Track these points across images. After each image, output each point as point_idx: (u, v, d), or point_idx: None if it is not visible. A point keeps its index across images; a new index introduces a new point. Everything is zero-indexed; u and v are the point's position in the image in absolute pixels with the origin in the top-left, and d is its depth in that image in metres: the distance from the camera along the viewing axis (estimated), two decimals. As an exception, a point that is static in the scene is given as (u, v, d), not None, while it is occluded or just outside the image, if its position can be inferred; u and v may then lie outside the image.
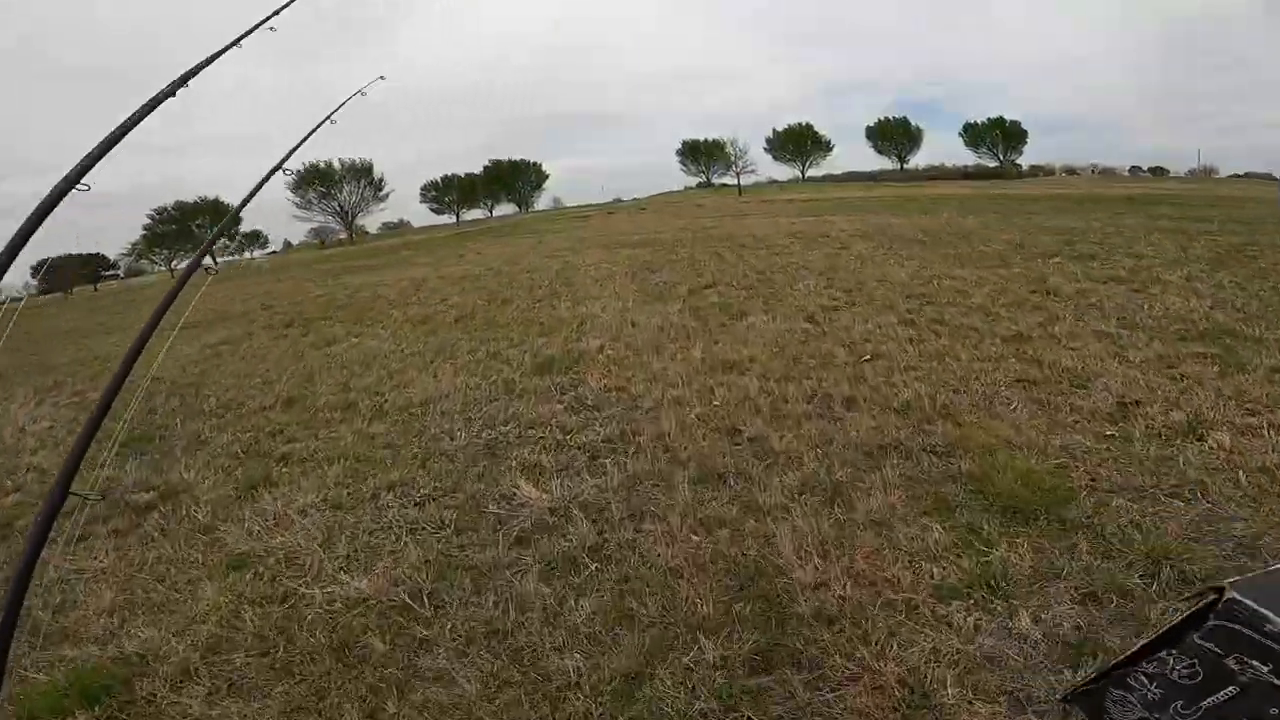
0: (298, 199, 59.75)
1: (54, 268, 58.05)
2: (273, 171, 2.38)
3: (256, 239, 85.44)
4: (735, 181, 58.66)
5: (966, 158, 72.25)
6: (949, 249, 9.85)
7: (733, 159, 55.92)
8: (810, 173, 73.86)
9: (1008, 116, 70.61)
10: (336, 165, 61.41)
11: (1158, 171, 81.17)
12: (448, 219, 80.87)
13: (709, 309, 6.69)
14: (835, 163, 74.43)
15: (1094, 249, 9.06)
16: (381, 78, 3.04)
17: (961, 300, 6.41)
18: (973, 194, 28.89)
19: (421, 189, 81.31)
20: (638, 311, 6.90)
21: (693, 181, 77.06)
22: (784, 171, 73.92)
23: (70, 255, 61.29)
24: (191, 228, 62.67)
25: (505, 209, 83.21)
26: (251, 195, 2.36)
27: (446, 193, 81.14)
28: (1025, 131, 69.96)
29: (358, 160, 62.08)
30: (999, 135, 70.16)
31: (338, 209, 61.57)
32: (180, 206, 63.89)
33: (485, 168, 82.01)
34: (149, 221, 64.19)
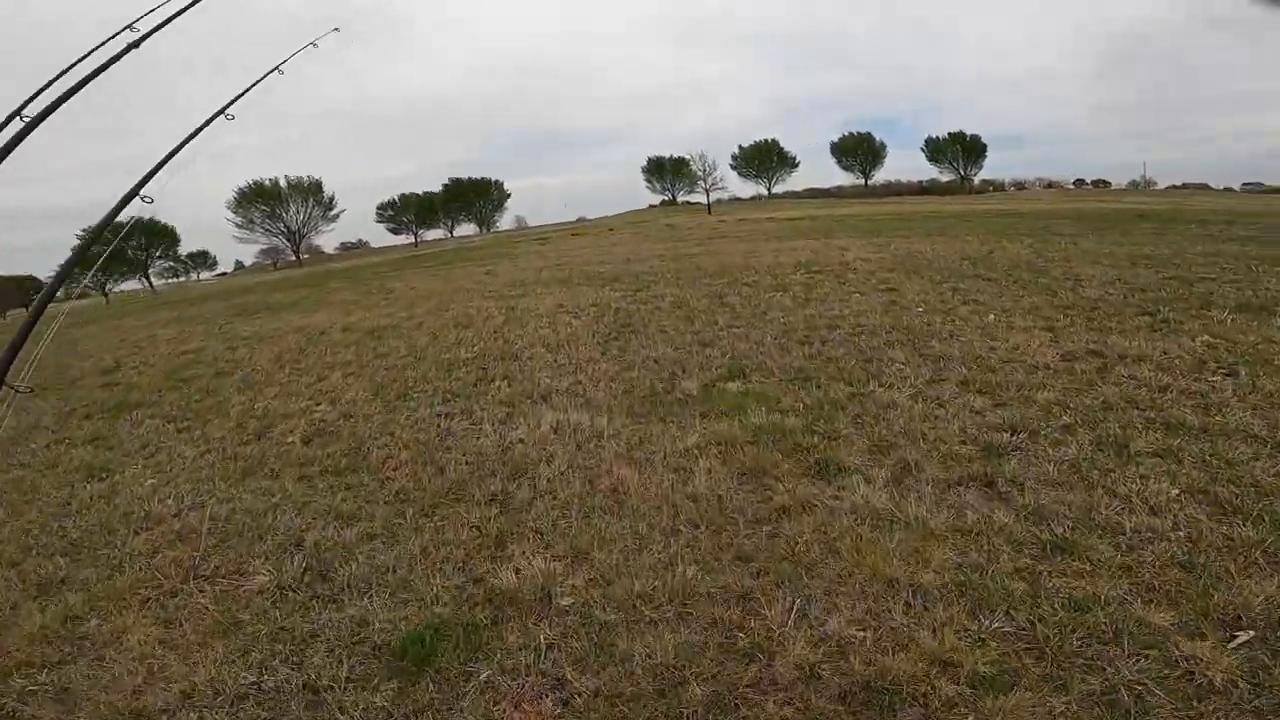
0: (238, 218, 55.28)
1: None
2: (209, 120, 2.40)
3: (204, 259, 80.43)
4: (704, 199, 56.23)
5: (924, 173, 71.53)
6: (1038, 293, 6.98)
7: (702, 175, 53.46)
8: (774, 189, 72.20)
9: (967, 132, 70.11)
10: (283, 183, 57.20)
11: (1100, 184, 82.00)
12: (407, 239, 76.98)
13: (764, 448, 3.52)
14: (795, 179, 73.02)
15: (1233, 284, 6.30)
16: (335, 29, 2.92)
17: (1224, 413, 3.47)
18: (964, 210, 26.66)
19: (378, 208, 77.44)
20: (629, 452, 3.74)
21: (657, 199, 74.75)
22: (749, 188, 72.16)
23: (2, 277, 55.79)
24: (126, 249, 57.63)
25: (468, 228, 79.78)
26: (158, 167, 2.24)
27: (404, 212, 77.23)
28: (985, 145, 69.51)
29: (306, 178, 57.93)
30: (959, 150, 69.53)
31: (284, 229, 57.20)
32: (115, 227, 58.68)
33: (445, 186, 78.45)
34: (78, 242, 58.76)
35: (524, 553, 2.92)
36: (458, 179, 77.60)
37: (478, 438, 4.14)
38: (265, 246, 61.95)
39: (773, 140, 71.96)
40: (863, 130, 72.07)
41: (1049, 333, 5.24)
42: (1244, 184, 72.20)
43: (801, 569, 2.62)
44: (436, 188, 78.10)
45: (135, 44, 2.27)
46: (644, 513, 3.06)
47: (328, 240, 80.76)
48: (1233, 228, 14.52)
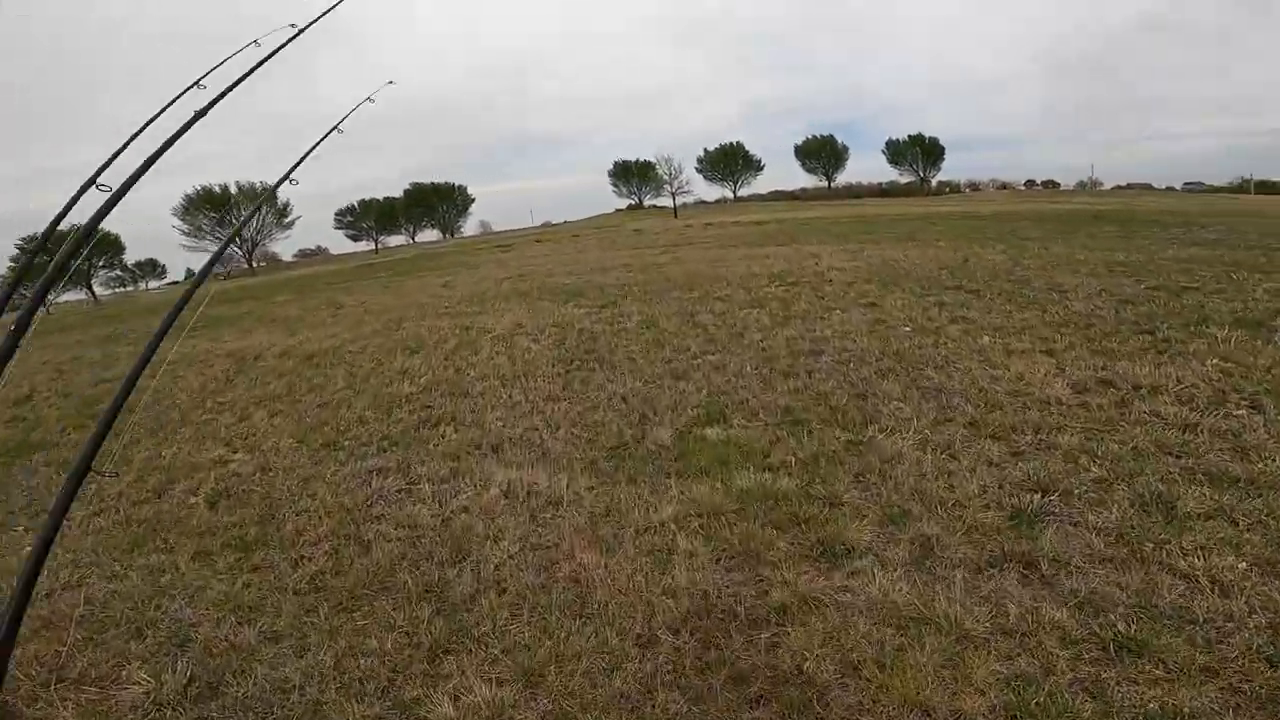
0: (186, 226, 52.85)
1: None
2: (278, 183, 2.56)
3: (153, 268, 77.02)
4: (670, 203, 55.87)
5: (882, 175, 72.55)
6: (1027, 308, 6.61)
7: (668, 179, 53.08)
8: (739, 192, 72.34)
9: (925, 135, 71.23)
10: (233, 189, 54.92)
11: (1049, 185, 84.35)
12: (367, 245, 74.89)
13: (755, 521, 2.93)
14: (760, 182, 73.28)
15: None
16: (391, 82, 3.01)
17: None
18: (926, 212, 26.73)
19: (336, 214, 75.14)
20: (592, 527, 3.14)
21: (623, 204, 74.25)
22: (714, 191, 72.17)
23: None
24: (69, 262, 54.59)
25: (433, 234, 78.01)
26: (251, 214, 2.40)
27: (363, 218, 75.10)
28: (943, 148, 70.75)
29: (258, 184, 55.68)
30: (919, 152, 70.62)
31: (236, 237, 54.74)
32: (57, 237, 55.61)
33: (406, 191, 76.55)
34: (16, 252, 55.51)
35: (464, 671, 2.31)
36: (419, 184, 75.88)
37: (414, 503, 3.48)
38: (238, 253, 59.45)
39: (738, 143, 72.12)
40: (824, 133, 72.72)
41: (1050, 357, 4.80)
42: (1185, 184, 74.94)
43: (813, 694, 2.06)
44: (398, 193, 76.26)
45: (203, 112, 2.25)
46: (612, 614, 2.46)
47: (286, 247, 78.18)
48: (1192, 230, 14.59)
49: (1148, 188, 72.31)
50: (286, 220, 57.62)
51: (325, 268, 36.81)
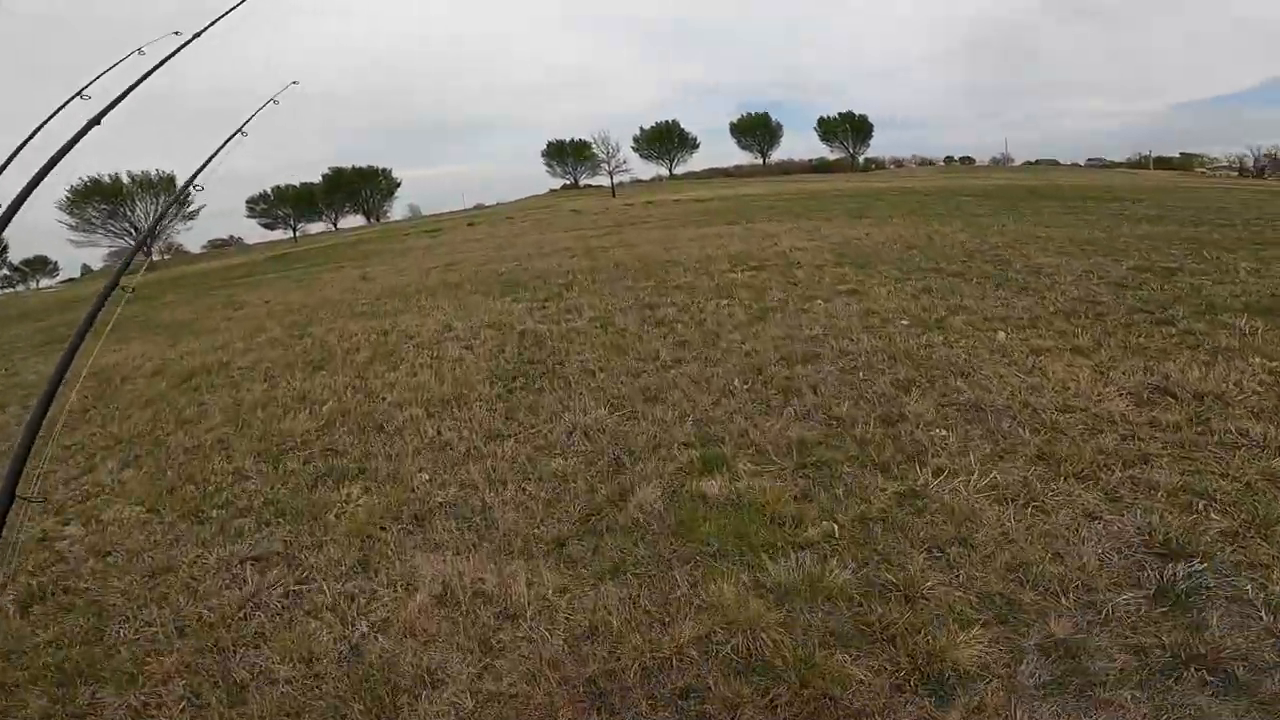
0: (73, 219, 47.65)
1: None
2: (183, 189, 1.55)
3: (44, 265, 69.73)
4: (607, 182, 54.38)
5: (811, 152, 73.25)
6: (1019, 293, 5.98)
7: (605, 158, 51.44)
8: (675, 170, 71.46)
9: (855, 113, 72.05)
10: (126, 179, 49.80)
11: (966, 161, 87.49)
12: (286, 234, 70.07)
13: (810, 645, 1.99)
14: (694, 160, 72.56)
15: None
16: (295, 83, 2.85)
17: None
18: (865, 188, 26.58)
19: (247, 202, 69.81)
20: (579, 672, 2.15)
21: (558, 184, 72.14)
22: (650, 170, 71.00)
23: None
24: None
25: (358, 220, 73.65)
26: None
27: (278, 205, 70.10)
28: (872, 126, 71.79)
29: (155, 172, 50.79)
30: (849, 129, 71.46)
31: (131, 229, 49.84)
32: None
33: (325, 176, 71.78)
34: None
35: None
36: (339, 169, 71.32)
37: (308, 617, 2.41)
38: (113, 249, 54.03)
39: (673, 122, 70.92)
40: (759, 111, 72.47)
41: (1084, 358, 4.10)
42: (1088, 159, 78.93)
43: None
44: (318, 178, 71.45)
45: (96, 120, 2.09)
46: None
47: (193, 238, 72.17)
48: (1128, 205, 14.67)
49: (1054, 163, 75.68)
50: (189, 210, 52.84)
51: (233, 260, 33.80)
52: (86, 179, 49.32)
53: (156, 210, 50.52)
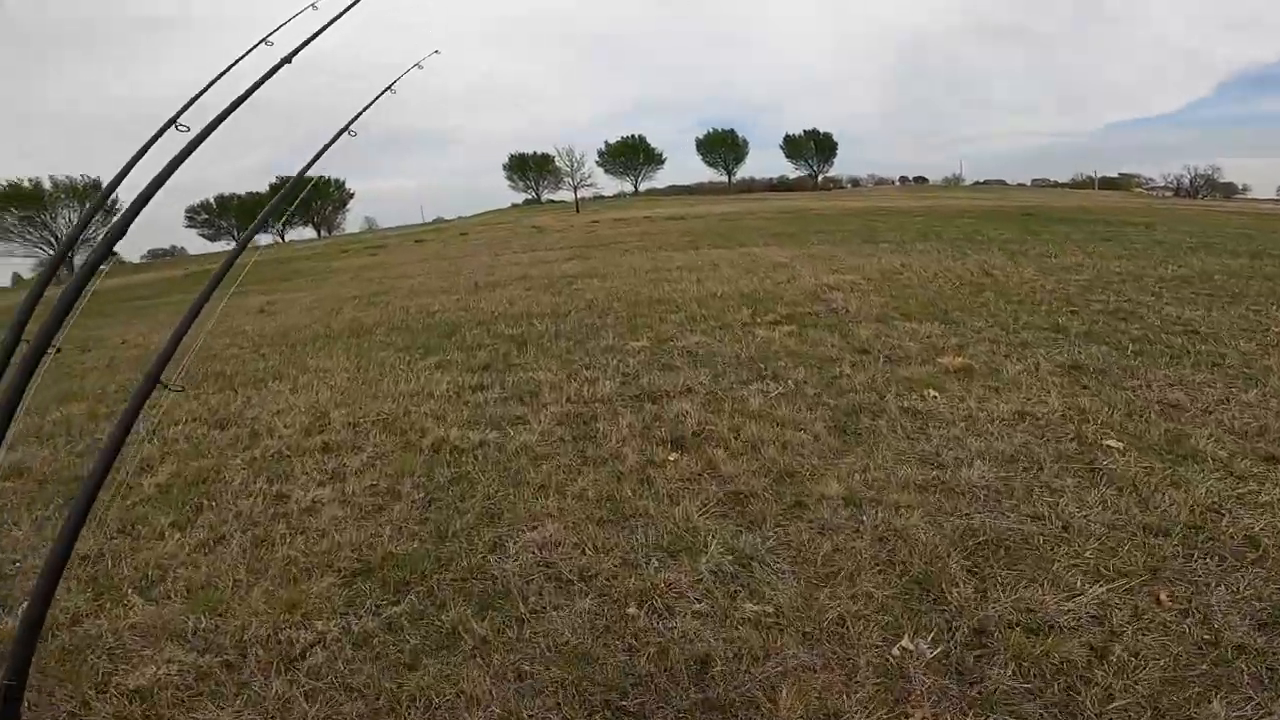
0: (-17, 228, 42.72)
1: None
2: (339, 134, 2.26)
3: (-39, 276, 63.26)
4: (569, 197, 51.92)
5: (769, 170, 72.28)
6: (1201, 365, 3.71)
7: (569, 171, 48.89)
8: (639, 186, 69.42)
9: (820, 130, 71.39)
10: (46, 184, 45.05)
11: (920, 180, 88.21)
12: (227, 246, 65.33)
13: None
14: (656, 177, 70.66)
15: None
16: (437, 52, 2.84)
17: None
18: (853, 208, 24.71)
19: (187, 212, 65.16)
20: None
21: (520, 199, 69.37)
22: (614, 186, 68.85)
23: None
24: None
25: (304, 232, 69.22)
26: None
27: (221, 215, 65.47)
28: (836, 144, 71.30)
29: (80, 178, 46.12)
30: (813, 147, 70.82)
31: (52, 239, 44.98)
32: None
33: (272, 185, 67.21)
34: None
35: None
36: (287, 178, 66.92)
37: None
38: (31, 259, 48.92)
39: (640, 137, 69.02)
40: (724, 128, 71.16)
41: None
42: (1034, 180, 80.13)
43: None
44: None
45: (288, 58, 2.01)
46: None
47: (132, 248, 66.71)
48: (1139, 230, 12.95)
49: (1002, 183, 76.45)
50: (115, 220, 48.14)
51: (145, 276, 30.00)
52: (3, 183, 44.52)
53: (81, 217, 45.86)
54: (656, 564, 2.45)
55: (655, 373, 4.32)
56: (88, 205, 46.29)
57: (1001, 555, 2.36)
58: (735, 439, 3.27)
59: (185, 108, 1.76)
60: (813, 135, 69.43)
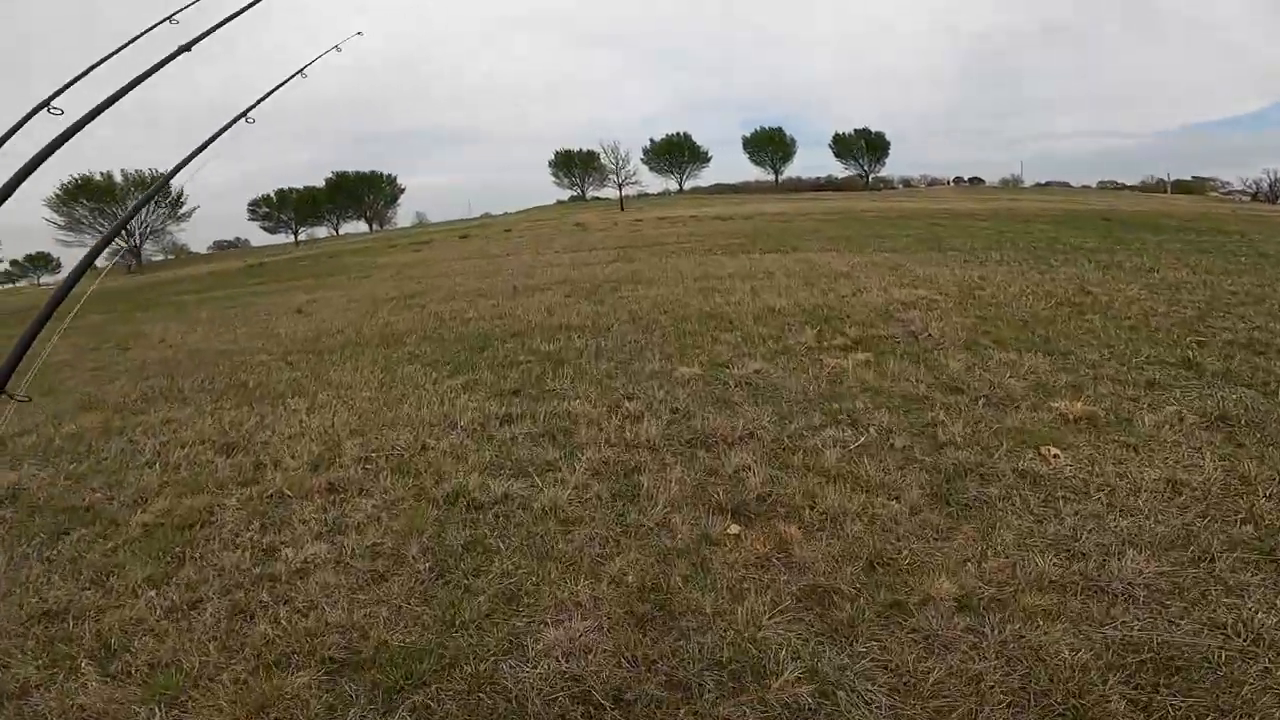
0: (61, 218, 44.86)
1: None
2: (234, 119, 1.95)
3: (46, 263, 66.96)
4: (614, 194, 51.51)
5: (815, 169, 70.40)
6: None
7: (615, 168, 48.39)
8: (683, 184, 68.49)
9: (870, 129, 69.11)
10: (118, 177, 47.08)
11: (975, 181, 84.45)
12: (288, 238, 67.44)
13: None
14: (700, 175, 69.53)
15: None
16: (359, 33, 2.73)
17: None
18: (908, 209, 23.49)
19: (250, 205, 67.36)
20: None
21: (565, 195, 69.38)
22: (658, 183, 68.16)
23: None
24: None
25: (357, 226, 70.79)
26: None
27: (281, 209, 67.41)
28: (889, 143, 68.94)
29: (148, 171, 48.00)
30: (863, 146, 68.64)
31: (123, 230, 46.93)
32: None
33: (328, 180, 69.00)
34: None
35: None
36: (343, 173, 68.69)
37: None
38: (123, 247, 51.22)
39: (685, 134, 68.01)
40: (772, 125, 69.53)
41: None
42: (1099, 182, 75.90)
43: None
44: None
45: (187, 47, 1.80)
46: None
47: (199, 239, 69.50)
48: (1233, 239, 11.62)
49: (1065, 185, 72.62)
50: (181, 212, 50.10)
51: (206, 267, 30.86)
52: (76, 176, 46.66)
53: (148, 206, 47.74)
54: (713, 689, 1.87)
55: (709, 410, 3.71)
56: None
57: (1175, 679, 1.73)
58: (810, 509, 2.65)
59: (62, 90, 1.27)
60: (863, 134, 67.24)
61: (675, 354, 4.79)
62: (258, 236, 70.00)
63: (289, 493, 3.27)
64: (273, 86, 2.13)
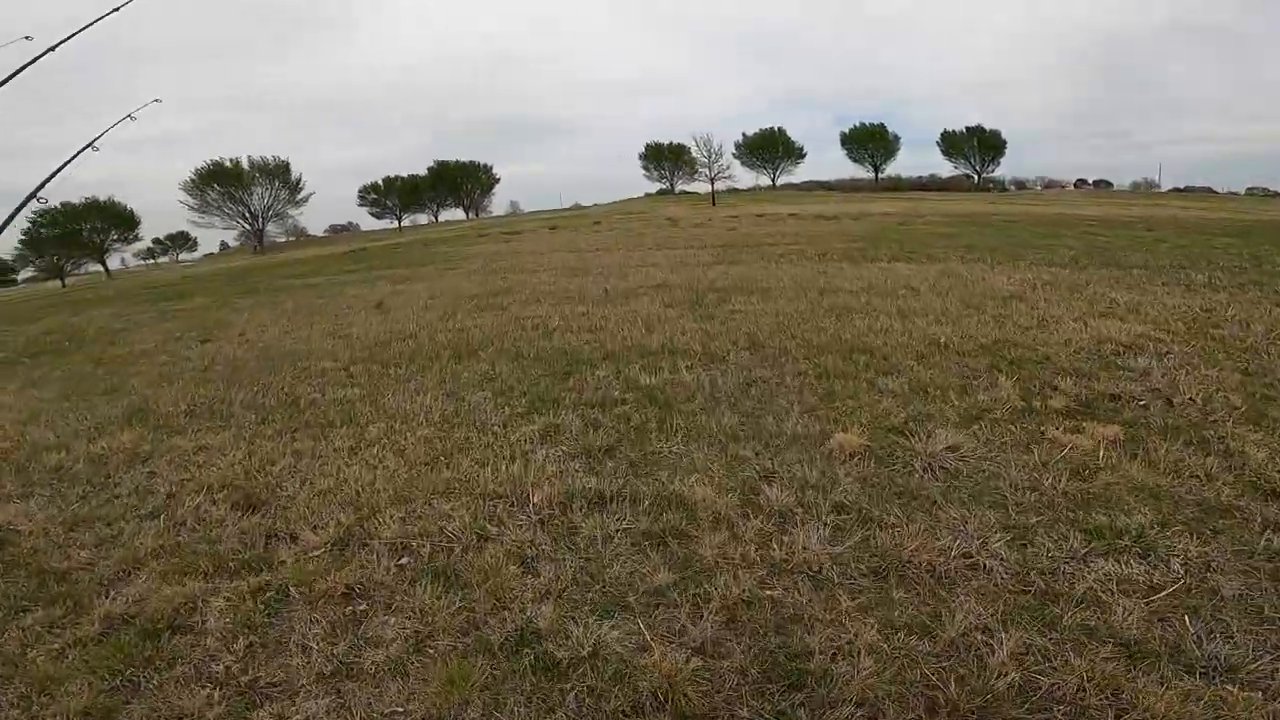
0: (193, 200, 48.43)
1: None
2: (30, 197, 1.11)
3: (185, 241, 73.15)
4: (700, 188, 49.99)
5: (915, 169, 65.54)
6: None
7: (707, 161, 46.76)
8: (776, 180, 65.70)
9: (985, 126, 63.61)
10: (245, 163, 50.28)
11: (1101, 184, 76.00)
12: (392, 223, 70.40)
13: None
14: (790, 171, 66.26)
15: None
16: (157, 100, 1.80)
17: None
18: (1036, 213, 20.78)
19: (360, 191, 70.81)
20: None
21: (653, 188, 68.38)
22: (748, 179, 65.78)
23: (-34, 258, 48.70)
24: (80, 231, 51.03)
25: (455, 214, 72.90)
26: (13, 215, 1.15)
27: (387, 195, 70.35)
28: (1005, 142, 63.35)
29: (271, 158, 51.04)
30: (975, 144, 63.44)
31: (245, 213, 50.30)
32: (67, 209, 51.66)
33: (430, 169, 71.32)
34: (29, 225, 51.54)
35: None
36: (444, 161, 70.78)
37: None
38: (248, 229, 55.18)
39: (779, 129, 65.29)
40: (873, 122, 65.39)
41: None
42: (1248, 188, 66.80)
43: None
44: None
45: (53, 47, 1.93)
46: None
47: (318, 222, 73.89)
48: None
49: (1209, 191, 64.15)
50: (299, 196, 52.94)
51: (309, 252, 32.03)
52: (209, 162, 50.30)
53: (271, 190, 50.72)
54: None
55: (892, 509, 2.45)
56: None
57: None
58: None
59: None
60: (975, 132, 62.01)
61: (821, 406, 3.52)
62: (367, 221, 73.48)
63: (295, 593, 2.31)
64: (61, 164, 2.08)
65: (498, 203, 75.54)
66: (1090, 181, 77.56)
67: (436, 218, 71.86)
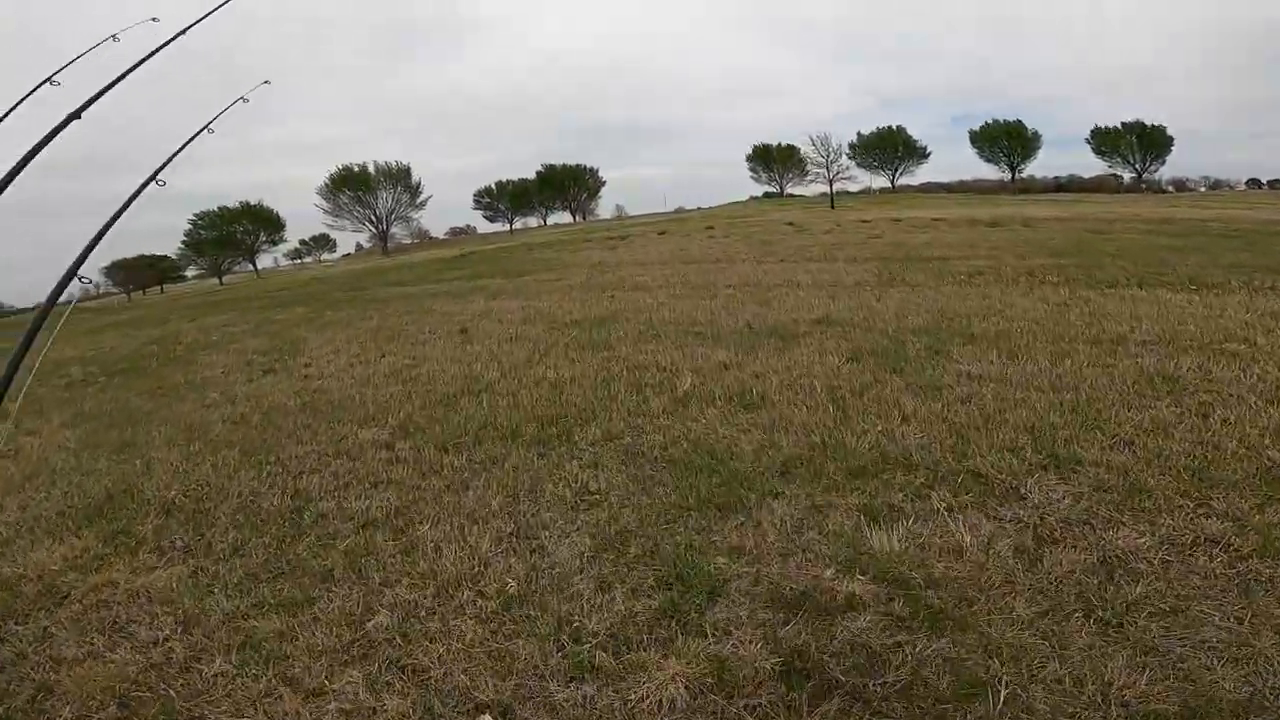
0: (327, 204, 51.22)
1: (124, 268, 51.80)
2: (146, 183, 2.20)
3: (325, 243, 78.76)
4: (820, 191, 46.48)
5: (1041, 168, 57.70)
6: None
7: (825, 162, 43.25)
8: (895, 182, 60.43)
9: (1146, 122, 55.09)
10: (372, 169, 52.64)
11: (1278, 185, 63.65)
12: (504, 226, 71.98)
13: None
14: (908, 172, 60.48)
15: None
16: (266, 82, 2.76)
17: None
18: (1212, 217, 16.43)
19: (475, 195, 72.92)
20: None
21: (758, 190, 65.23)
22: (862, 180, 60.95)
23: (140, 256, 54.83)
24: (235, 233, 55.75)
25: (563, 216, 73.39)
26: (135, 194, 2.15)
27: (499, 199, 71.92)
28: (1171, 139, 54.59)
29: (394, 163, 53.13)
30: (1134, 142, 55.18)
31: (371, 216, 52.67)
32: (223, 211, 56.56)
33: (538, 173, 72.13)
34: (189, 226, 56.86)
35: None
36: (551, 165, 71.31)
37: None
38: (360, 232, 58.30)
39: (898, 127, 60.10)
40: (1010, 118, 58.40)
41: None
42: None
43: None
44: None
45: (77, 114, 1.96)
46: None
47: (439, 224, 77.18)
48: None
49: None
50: (419, 200, 54.80)
51: (418, 256, 32.19)
52: (340, 167, 53.12)
53: (394, 195, 52.68)
54: None
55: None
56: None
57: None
58: None
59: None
60: (1134, 128, 53.81)
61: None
62: (484, 224, 75.64)
63: None
64: (180, 145, 2.27)
65: (604, 206, 75.30)
66: (1264, 182, 65.70)
67: (545, 221, 72.61)
